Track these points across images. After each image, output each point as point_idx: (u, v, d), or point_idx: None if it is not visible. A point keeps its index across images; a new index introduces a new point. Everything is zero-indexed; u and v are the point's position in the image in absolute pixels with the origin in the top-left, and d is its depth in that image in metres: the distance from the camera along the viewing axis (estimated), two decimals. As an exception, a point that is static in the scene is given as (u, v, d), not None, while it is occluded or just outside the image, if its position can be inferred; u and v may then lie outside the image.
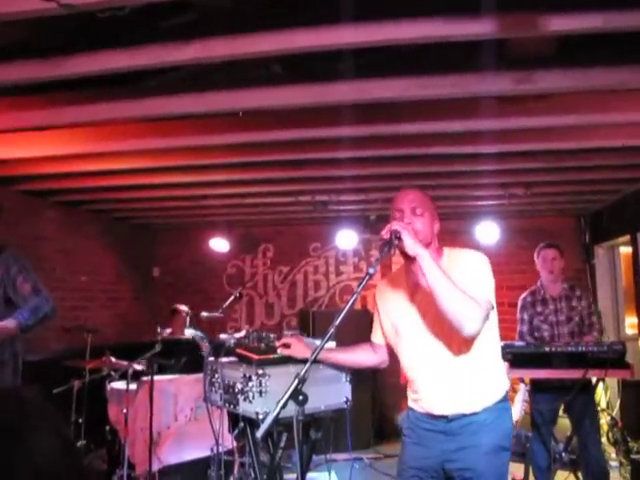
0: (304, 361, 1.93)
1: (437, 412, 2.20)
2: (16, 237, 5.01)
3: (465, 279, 2.07)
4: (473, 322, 1.99)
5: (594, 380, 4.16)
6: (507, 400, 2.26)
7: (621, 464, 4.98)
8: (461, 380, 2.16)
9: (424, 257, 1.99)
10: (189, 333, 5.73)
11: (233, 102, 3.13)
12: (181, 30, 2.48)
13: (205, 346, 5.30)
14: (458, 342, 2.11)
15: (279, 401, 1.65)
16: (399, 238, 2.00)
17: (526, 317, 4.40)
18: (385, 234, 2.03)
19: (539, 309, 4.36)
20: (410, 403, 2.37)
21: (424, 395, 2.25)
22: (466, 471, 2.14)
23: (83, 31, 2.52)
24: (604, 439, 5.61)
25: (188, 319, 5.76)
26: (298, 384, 1.69)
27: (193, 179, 4.85)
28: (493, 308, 2.14)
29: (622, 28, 2.29)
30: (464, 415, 2.15)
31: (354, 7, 2.26)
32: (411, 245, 2.00)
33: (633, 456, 4.45)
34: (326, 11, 2.32)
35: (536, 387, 4.01)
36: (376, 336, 2.48)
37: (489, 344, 2.20)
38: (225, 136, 3.71)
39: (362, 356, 2.55)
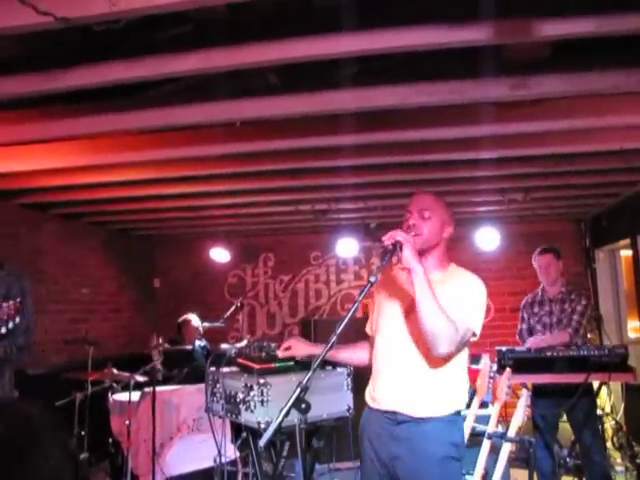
0: (306, 369, 1.93)
1: (386, 407, 2.22)
2: (16, 250, 5.02)
3: (456, 300, 2.12)
4: (445, 345, 2.04)
5: (596, 385, 4.15)
6: (459, 415, 2.27)
7: (627, 469, 4.96)
8: (419, 384, 2.19)
9: (417, 273, 2.01)
10: (197, 344, 5.74)
11: (232, 112, 3.14)
12: (180, 41, 2.49)
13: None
14: (428, 352, 2.13)
15: (282, 409, 1.65)
16: (401, 248, 2.01)
17: (525, 316, 4.48)
18: (387, 241, 2.03)
19: (535, 310, 4.44)
20: (367, 399, 2.38)
21: (381, 389, 2.27)
22: (412, 476, 2.14)
23: (81, 44, 2.54)
24: (609, 444, 5.58)
25: (201, 328, 5.76)
26: (300, 392, 1.69)
27: (193, 190, 4.86)
28: (475, 336, 2.18)
29: (616, 32, 2.30)
30: (412, 419, 2.16)
31: (353, 16, 2.27)
32: (409, 258, 2.02)
33: (638, 460, 4.42)
34: (325, 20, 2.34)
35: (537, 392, 4.00)
36: (369, 328, 2.53)
37: (456, 362, 2.22)
38: (224, 146, 3.72)
39: (361, 354, 2.55)
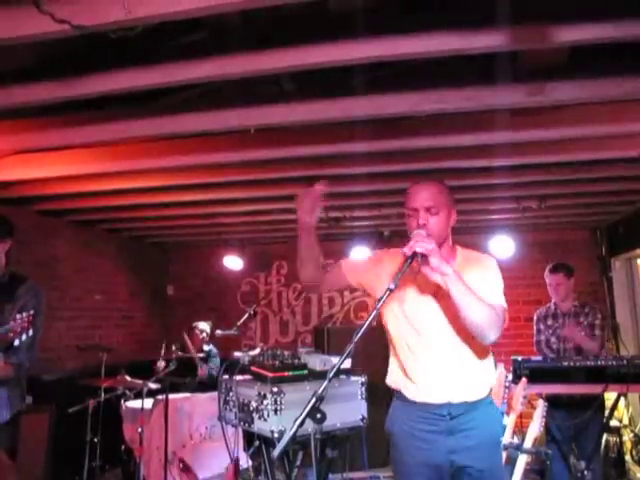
0: (319, 378, 1.91)
1: (438, 401, 2.19)
2: (32, 257, 5.06)
3: (481, 285, 2.12)
4: (494, 332, 2.08)
5: (613, 396, 4.09)
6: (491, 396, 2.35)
7: (645, 482, 4.88)
8: (466, 371, 2.22)
9: (450, 276, 2.01)
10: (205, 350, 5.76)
11: (247, 119, 3.14)
12: (195, 47, 2.50)
13: (202, 371, 5.31)
14: (465, 336, 2.17)
15: (296, 419, 1.63)
16: (423, 256, 2.00)
17: (542, 327, 4.52)
18: (408, 251, 2.01)
19: (549, 322, 4.49)
20: (403, 390, 2.31)
21: (430, 383, 2.23)
22: (476, 460, 2.16)
23: (97, 51, 2.55)
24: (627, 457, 5.50)
25: (206, 336, 5.77)
26: (316, 402, 1.67)
27: (207, 197, 4.87)
28: (505, 310, 2.20)
29: (634, 37, 2.27)
30: (464, 406, 2.18)
31: (368, 22, 2.27)
32: (438, 264, 2.00)
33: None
34: (339, 26, 2.33)
35: (553, 403, 3.95)
36: (349, 270, 2.49)
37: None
38: (239, 153, 3.73)
39: (314, 264, 2.60)
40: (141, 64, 2.55)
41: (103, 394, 4.30)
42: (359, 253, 6.45)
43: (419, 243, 2.01)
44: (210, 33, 2.52)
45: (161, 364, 4.63)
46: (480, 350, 2.23)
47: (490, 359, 2.32)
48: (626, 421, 5.80)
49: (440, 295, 2.18)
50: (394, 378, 2.36)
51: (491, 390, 2.32)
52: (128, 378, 4.32)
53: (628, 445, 5.56)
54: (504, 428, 2.33)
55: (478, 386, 2.25)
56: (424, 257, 2.01)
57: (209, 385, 5.04)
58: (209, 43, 2.51)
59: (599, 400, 4.07)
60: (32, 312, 2.68)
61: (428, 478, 2.21)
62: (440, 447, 2.18)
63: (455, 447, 2.17)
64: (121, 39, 2.25)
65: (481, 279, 2.17)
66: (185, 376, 5.06)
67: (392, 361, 2.40)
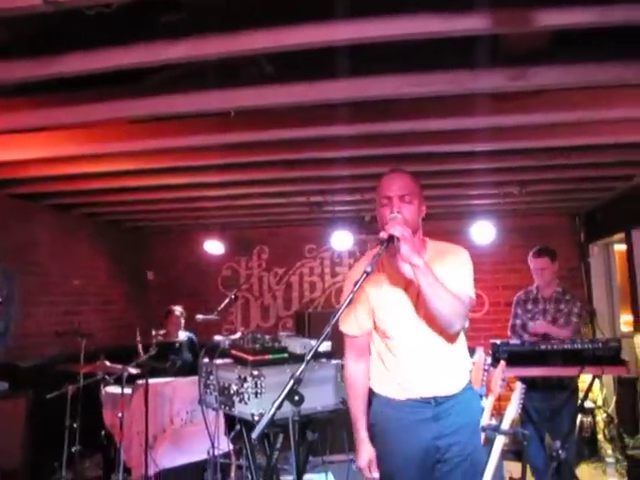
0: (299, 361, 1.91)
1: (422, 394, 2.23)
2: (8, 241, 4.97)
3: (449, 275, 2.16)
4: (459, 321, 2.17)
5: (589, 378, 4.18)
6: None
7: (617, 460, 5.01)
8: (446, 363, 2.27)
9: (420, 267, 2.05)
10: (183, 336, 5.72)
11: (227, 101, 3.10)
12: (172, 28, 2.45)
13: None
14: (442, 330, 2.21)
15: (274, 401, 1.62)
16: (398, 239, 2.01)
17: (519, 312, 4.55)
18: (385, 234, 2.03)
19: (529, 307, 4.51)
20: (384, 392, 2.34)
21: (412, 378, 2.26)
22: (459, 450, 2.21)
23: (74, 30, 2.49)
24: (600, 436, 5.63)
25: (183, 320, 5.74)
26: (294, 384, 1.66)
27: (186, 181, 4.82)
28: (471, 298, 2.25)
29: (615, 22, 2.27)
30: (448, 397, 2.24)
31: (347, 3, 2.24)
32: (408, 254, 2.03)
33: (629, 452, 4.46)
34: (319, 8, 2.30)
35: (529, 385, 4.03)
36: (352, 327, 2.37)
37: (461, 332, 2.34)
38: (218, 136, 3.68)
39: (366, 383, 2.42)
40: (119, 44, 2.49)
41: (82, 380, 4.26)
42: (340, 238, 6.46)
43: (396, 227, 2.02)
44: (189, 13, 2.47)
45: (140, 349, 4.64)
46: (455, 339, 2.28)
47: (465, 348, 2.38)
48: (600, 402, 5.93)
49: (412, 289, 2.22)
50: (377, 378, 2.37)
51: (470, 372, 2.36)
52: (108, 363, 4.29)
53: (601, 425, 5.70)
54: (482, 410, 2.38)
55: (459, 376, 2.30)
56: (399, 242, 2.02)
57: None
58: (188, 23, 2.46)
59: (574, 382, 4.15)
60: (2, 299, 2.63)
61: (418, 467, 2.24)
62: (426, 433, 2.21)
63: (440, 432, 2.21)
64: (99, 18, 2.19)
65: (451, 270, 2.20)
66: (166, 361, 5.05)
67: (373, 358, 2.40)
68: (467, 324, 2.40)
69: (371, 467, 2.29)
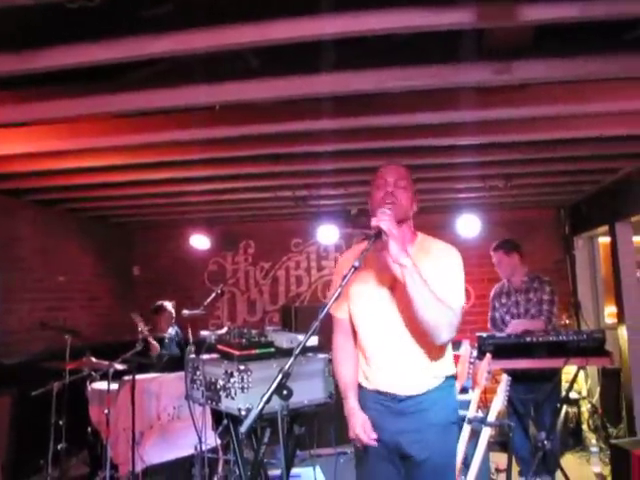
0: (286, 355, 1.91)
1: (384, 389, 2.22)
2: (-9, 237, 4.92)
3: (438, 276, 2.09)
4: (447, 332, 2.05)
5: (573, 369, 4.23)
6: (453, 379, 2.32)
7: (601, 449, 5.08)
8: (416, 363, 2.19)
9: (407, 267, 1.98)
10: (172, 330, 5.71)
11: (212, 95, 3.08)
12: (158, 21, 2.42)
13: (155, 348, 5.25)
14: (420, 332, 2.12)
15: (263, 396, 1.62)
16: (386, 234, 1.99)
17: (496, 305, 4.64)
18: (373, 226, 2.01)
19: (503, 300, 4.60)
20: (360, 378, 2.35)
21: (376, 371, 2.26)
22: (420, 449, 2.16)
23: (57, 24, 2.46)
24: (584, 426, 5.71)
25: (174, 316, 5.72)
26: (282, 378, 1.67)
27: (171, 175, 4.79)
28: (464, 309, 2.19)
29: (599, 17, 2.29)
30: (412, 397, 2.19)
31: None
32: (396, 252, 1.99)
33: (612, 441, 4.53)
34: (306, 1, 2.29)
35: (514, 377, 4.07)
36: (342, 310, 2.38)
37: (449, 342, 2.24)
38: (203, 131, 3.65)
39: (354, 354, 2.42)
40: (103, 38, 2.46)
41: (68, 376, 4.23)
42: (325, 232, 6.45)
43: (385, 220, 2.01)
44: (175, 6, 2.45)
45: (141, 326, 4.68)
46: (434, 345, 2.16)
47: (447, 346, 2.27)
48: (585, 393, 6.01)
49: (396, 287, 2.18)
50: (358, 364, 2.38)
51: (450, 372, 2.30)
52: (94, 359, 4.26)
53: (585, 415, 5.78)
54: (457, 409, 2.32)
55: (427, 379, 2.22)
56: (387, 236, 2.00)
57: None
58: (174, 17, 2.44)
59: (558, 374, 4.20)
60: None
61: (382, 459, 2.24)
62: (389, 426, 2.20)
63: (402, 429, 2.18)
64: (83, 12, 2.16)
65: (438, 271, 2.13)
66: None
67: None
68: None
69: (366, 429, 2.21)
